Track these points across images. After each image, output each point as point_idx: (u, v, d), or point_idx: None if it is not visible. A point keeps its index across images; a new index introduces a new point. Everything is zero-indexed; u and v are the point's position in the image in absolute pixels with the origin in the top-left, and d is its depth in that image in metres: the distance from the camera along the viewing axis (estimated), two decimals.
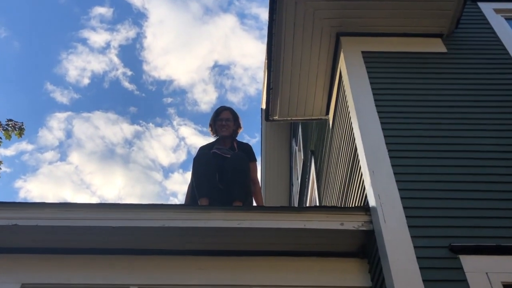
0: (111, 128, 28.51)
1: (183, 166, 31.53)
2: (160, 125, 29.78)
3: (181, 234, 3.56)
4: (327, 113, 5.65)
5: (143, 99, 28.94)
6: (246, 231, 3.53)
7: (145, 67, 28.93)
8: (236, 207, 3.97)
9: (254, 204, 4.60)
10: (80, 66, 27.06)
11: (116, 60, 27.51)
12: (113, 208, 3.61)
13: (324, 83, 5.38)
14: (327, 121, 5.82)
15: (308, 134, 8.19)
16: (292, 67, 5.26)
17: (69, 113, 27.86)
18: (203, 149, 4.77)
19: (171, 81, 30.66)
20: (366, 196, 3.77)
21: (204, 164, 4.41)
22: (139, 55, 28.44)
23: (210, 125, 4.92)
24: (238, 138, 4.99)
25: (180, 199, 30.95)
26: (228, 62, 31.45)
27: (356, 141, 4.15)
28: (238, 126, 4.91)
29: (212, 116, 4.92)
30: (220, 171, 4.44)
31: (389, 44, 4.80)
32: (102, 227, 3.51)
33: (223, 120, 4.83)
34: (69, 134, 28.41)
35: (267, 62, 5.32)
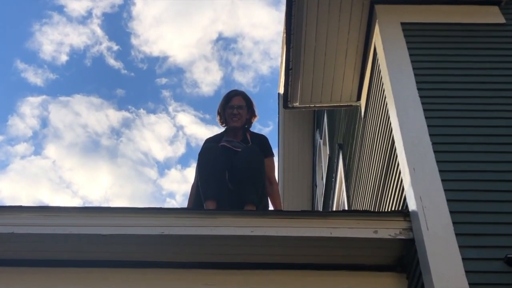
0: (95, 115, 28.75)
1: (181, 161, 31.70)
2: (153, 112, 29.94)
3: (183, 243, 3.65)
4: (359, 98, 5.68)
5: (132, 80, 29.10)
6: (261, 240, 3.61)
7: (134, 41, 29.07)
8: (249, 212, 4.04)
9: (270, 208, 4.66)
10: (56, 39, 27.32)
11: (99, 32, 27.70)
12: (102, 213, 3.71)
13: (355, 62, 5.42)
14: (358, 109, 5.85)
15: (335, 125, 8.20)
16: (316, 43, 5.29)
17: (44, 97, 28.18)
18: (210, 142, 4.81)
19: (165, 58, 30.79)
20: (405, 199, 3.82)
21: (211, 160, 4.46)
22: (127, 26, 28.61)
23: (219, 113, 4.95)
24: (252, 128, 5.03)
25: (178, 200, 31.17)
26: (234, 34, 31.49)
27: (394, 132, 4.19)
28: (252, 114, 4.94)
29: (221, 102, 4.94)
30: (230, 169, 4.50)
31: (434, 14, 4.85)
32: (89, 235, 3.61)
33: (235, 107, 4.85)
34: (44, 122, 28.76)
35: (286, 37, 5.36)
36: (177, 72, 30.48)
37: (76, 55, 28.04)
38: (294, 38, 5.26)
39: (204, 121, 30.70)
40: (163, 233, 3.59)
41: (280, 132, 10.68)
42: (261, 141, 4.84)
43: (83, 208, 3.82)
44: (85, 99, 28.70)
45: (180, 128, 30.48)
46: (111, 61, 27.71)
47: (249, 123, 4.95)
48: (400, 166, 3.97)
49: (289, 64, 5.49)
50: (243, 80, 29.47)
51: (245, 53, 30.30)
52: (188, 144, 30.67)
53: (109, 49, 28.26)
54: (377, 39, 4.80)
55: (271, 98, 28.87)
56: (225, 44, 31.10)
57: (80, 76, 28.84)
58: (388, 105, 4.39)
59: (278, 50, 29.68)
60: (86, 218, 3.66)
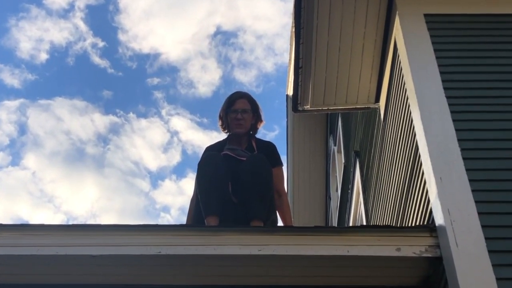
0: (79, 119, 28.80)
1: (176, 171, 31.69)
2: (144, 115, 29.98)
3: (182, 264, 3.67)
4: (377, 100, 5.69)
5: (120, 80, 29.16)
6: (269, 260, 3.62)
7: (122, 37, 29.19)
8: (256, 228, 4.05)
9: (279, 223, 4.67)
10: (34, 36, 27.42)
11: (82, 27, 27.78)
12: (91, 231, 3.74)
13: (372, 60, 5.43)
14: (377, 112, 5.85)
15: (350, 130, 8.19)
16: (329, 38, 5.30)
17: (22, 100, 28.24)
18: (211, 151, 4.83)
19: (157, 55, 30.84)
20: (431, 212, 3.82)
21: (212, 171, 4.47)
22: (113, 20, 28.70)
23: (220, 118, 4.95)
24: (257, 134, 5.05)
25: (174, 215, 31.16)
26: (235, 27, 31.59)
27: (418, 137, 4.19)
28: (258, 119, 4.95)
29: (223, 105, 4.95)
30: (234, 180, 4.51)
31: (461, 4, 4.84)
32: (78, 256, 3.63)
33: (238, 111, 4.85)
34: (22, 128, 28.84)
35: (295, 32, 5.37)
36: (171, 71, 30.54)
37: (57, 53, 28.16)
38: (304, 33, 5.27)
39: (201, 125, 30.74)
40: (160, 253, 3.60)
41: (288, 138, 10.66)
42: (268, 149, 4.85)
43: (70, 226, 3.85)
44: (67, 102, 28.79)
45: (174, 133, 30.54)
46: (97, 59, 27.80)
47: (255, 129, 4.96)
48: (425, 176, 3.97)
49: (299, 62, 5.51)
50: (245, 79, 29.51)
51: (247, 48, 30.35)
52: (183, 152, 30.68)
53: (94, 46, 28.36)
54: (397, 33, 4.82)
55: (276, 99, 28.92)
56: (224, 39, 31.16)
57: (62, 76, 28.93)
58: (410, 107, 4.39)
59: (283, 45, 29.67)
60: (73, 237, 3.68)
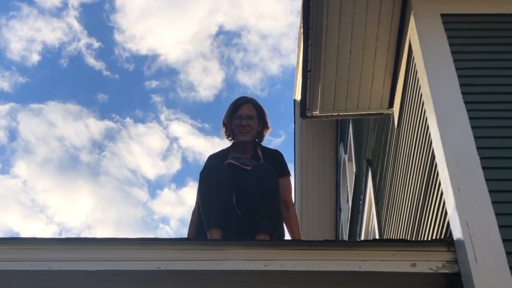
0: (72, 125, 28.85)
1: (176, 179, 31.70)
2: (142, 121, 30.03)
3: (184, 280, 3.67)
4: (391, 105, 5.70)
5: (116, 83, 29.19)
6: (276, 276, 3.62)
7: (118, 37, 29.25)
8: (262, 242, 4.05)
9: (287, 237, 4.67)
10: (26, 36, 27.48)
11: (76, 26, 27.85)
12: (87, 245, 3.74)
13: (386, 62, 5.44)
14: (391, 118, 5.86)
15: (362, 137, 8.21)
16: (339, 39, 5.31)
17: (12, 104, 28.33)
18: (214, 159, 4.85)
19: (155, 57, 30.88)
20: (448, 225, 3.82)
21: (215, 181, 4.49)
22: (109, 19, 28.74)
23: (224, 125, 4.98)
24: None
25: (174, 226, 31.15)
26: (238, 26, 31.61)
27: (434, 144, 4.19)
28: (264, 126, 4.96)
29: (227, 111, 4.97)
30: (238, 191, 4.52)
31: (482, 3, 4.85)
32: (72, 271, 3.63)
33: (243, 117, 4.87)
34: (12, 134, 28.91)
35: (303, 32, 5.38)
36: (170, 73, 30.59)
37: (50, 54, 28.22)
38: (313, 34, 5.29)
39: (202, 131, 30.78)
40: (160, 269, 3.60)
41: (296, 146, 10.67)
42: (275, 157, 4.86)
43: (63, 239, 3.86)
44: (60, 107, 28.84)
45: (174, 140, 30.57)
46: (91, 61, 27.85)
47: (261, 136, 4.97)
48: (442, 186, 3.97)
49: (307, 65, 5.52)
50: (249, 82, 29.55)
51: (251, 49, 30.39)
52: (184, 159, 30.69)
53: (88, 46, 28.43)
54: (412, 33, 4.82)
55: (282, 103, 28.92)
56: (227, 39, 31.21)
57: (55, 79, 28.98)
58: (426, 113, 4.40)
59: (290, 46, 29.70)
60: (67, 252, 3.69)
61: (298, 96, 7.05)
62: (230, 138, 4.98)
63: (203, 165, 4.85)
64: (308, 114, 5.91)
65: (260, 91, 28.48)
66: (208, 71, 30.78)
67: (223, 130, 4.99)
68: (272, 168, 4.58)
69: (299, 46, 6.06)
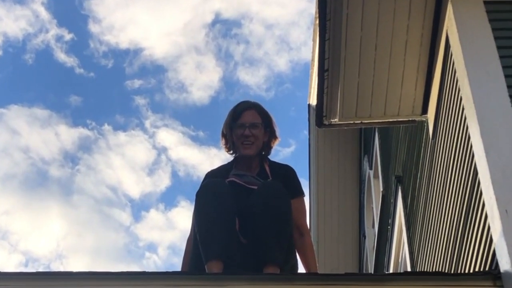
0: (40, 133, 28.93)
1: (165, 198, 31.74)
2: (123, 128, 30.10)
3: None
4: (425, 111, 5.71)
5: (91, 83, 29.22)
6: None
7: (94, 27, 29.25)
8: (271, 276, 4.04)
9: (301, 269, 4.63)
10: None
11: (44, 14, 27.92)
12: (58, 279, 3.71)
13: (418, 60, 5.45)
14: (425, 126, 5.87)
15: (390, 149, 8.23)
16: (362, 33, 5.33)
17: None
18: (213, 177, 4.84)
19: (138, 51, 30.99)
20: (494, 254, 3.81)
21: (215, 203, 4.47)
22: (82, 6, 28.87)
23: (224, 135, 4.97)
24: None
25: (162, 256, 31.16)
26: (238, 14, 31.70)
27: (477, 158, 4.19)
28: (272, 135, 4.95)
29: (227, 119, 4.96)
30: (242, 214, 4.52)
31: None
32: None
33: (246, 126, 4.84)
34: None
35: (319, 24, 5.38)
36: (156, 71, 30.64)
37: (12, 49, 28.29)
38: (331, 26, 5.30)
39: (196, 140, 30.87)
40: None
41: (311, 160, 10.73)
42: (286, 174, 4.86)
43: (30, 274, 3.80)
44: (25, 112, 28.88)
45: (162, 151, 30.67)
46: (62, 57, 27.97)
47: (268, 148, 4.96)
48: (487, 207, 3.97)
49: (324, 63, 5.53)
50: (252, 81, 29.61)
51: (254, 41, 30.46)
52: (174, 174, 30.73)
53: (58, 39, 28.54)
54: (450, 24, 4.83)
55: (292, 105, 28.93)
56: (225, 30, 31.28)
57: (18, 78, 29.04)
58: (467, 120, 4.41)
59: (300, 37, 29.74)
60: None
61: (313, 100, 7.06)
62: (231, 152, 4.97)
63: (197, 181, 4.89)
64: (326, 122, 5.93)
65: (265, 92, 28.54)
66: (203, 68, 30.86)
67: (222, 142, 4.98)
68: (282, 187, 4.57)
69: (314, 40, 6.07)
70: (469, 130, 4.34)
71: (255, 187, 4.61)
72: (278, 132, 4.96)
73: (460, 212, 4.63)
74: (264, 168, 4.87)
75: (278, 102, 28.73)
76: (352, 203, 11.02)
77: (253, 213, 4.45)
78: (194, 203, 4.60)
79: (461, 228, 4.61)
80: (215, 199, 4.47)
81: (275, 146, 4.99)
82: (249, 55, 30.33)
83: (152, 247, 32.81)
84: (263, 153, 4.94)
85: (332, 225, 11.03)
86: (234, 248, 4.42)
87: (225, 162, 5.04)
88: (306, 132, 10.65)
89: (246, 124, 4.84)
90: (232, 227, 4.46)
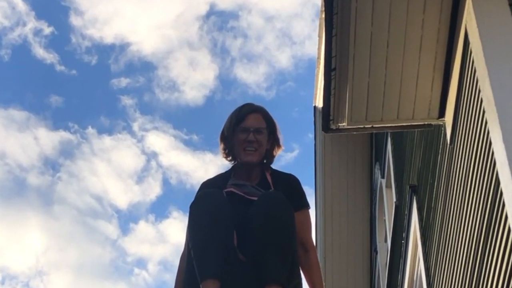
0: (17, 137, 28.97)
1: (155, 209, 31.83)
2: (109, 131, 30.17)
3: None
4: (442, 114, 5.73)
5: (73, 81, 29.26)
6: None
7: (76, 21, 29.32)
8: None
9: None
10: None
11: (21, 6, 27.95)
12: None
13: (435, 58, 5.45)
14: (442, 131, 5.89)
15: (404, 156, 8.26)
16: (373, 29, 5.34)
17: None
18: (209, 187, 4.84)
19: (125, 46, 31.04)
20: None
21: (211, 216, 4.44)
22: None
23: (223, 140, 4.98)
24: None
25: (152, 272, 31.21)
26: (235, 5, 31.66)
27: (499, 165, 4.19)
28: (275, 143, 4.97)
29: (229, 121, 4.96)
30: (241, 228, 4.49)
31: None
32: None
33: (250, 130, 4.85)
34: None
35: (325, 18, 5.37)
36: (145, 68, 30.72)
37: None
38: (339, 20, 5.30)
39: (189, 145, 30.87)
40: None
41: (317, 168, 10.76)
42: (289, 184, 4.86)
43: None
44: (0, 114, 28.90)
45: (151, 156, 30.70)
46: (41, 52, 27.98)
47: (270, 156, 4.98)
48: (510, 221, 3.97)
49: (331, 62, 5.52)
50: (250, 79, 29.65)
51: (252, 35, 30.50)
52: (165, 182, 30.79)
53: (37, 33, 28.60)
54: (469, 19, 4.83)
55: (295, 106, 28.94)
56: (221, 22, 31.31)
57: None
58: (488, 124, 4.41)
59: (304, 30, 29.78)
60: None
61: (319, 102, 7.08)
62: (230, 158, 4.97)
63: (191, 189, 4.98)
64: (333, 127, 5.94)
65: (265, 91, 28.59)
66: (196, 65, 30.90)
67: (221, 147, 4.98)
68: (285, 199, 4.55)
69: (320, 36, 6.09)
70: (491, 135, 4.35)
71: (256, 198, 4.59)
72: (282, 140, 4.99)
73: (481, 225, 4.63)
74: (266, 178, 4.87)
75: (280, 102, 28.83)
76: (362, 215, 11.06)
77: (253, 227, 4.43)
78: (188, 215, 4.59)
79: (482, 243, 4.61)
80: (211, 212, 4.45)
81: (278, 154, 5.01)
82: (247, 50, 30.41)
83: (141, 263, 32.91)
84: (265, 161, 4.95)
85: (341, 239, 11.07)
86: (232, 265, 4.39)
87: (222, 170, 5.07)
88: (311, 135, 10.72)
89: (250, 129, 4.85)
90: (229, 243, 4.43)
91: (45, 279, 28.90)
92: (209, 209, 4.48)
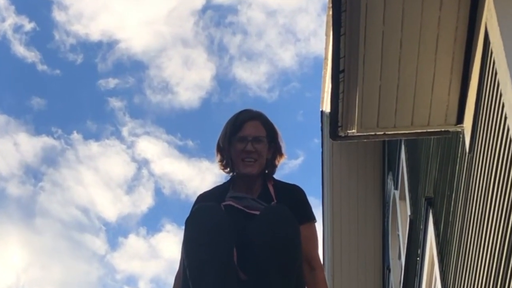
0: None
1: (146, 222, 31.90)
2: (96, 137, 30.21)
3: None
4: (460, 120, 5.72)
5: (57, 82, 29.28)
6: None
7: (59, 16, 29.37)
8: None
9: None
10: None
11: (0, 1, 27.96)
12: None
13: (452, 59, 5.42)
14: (460, 138, 5.89)
15: (420, 166, 8.28)
16: (385, 27, 5.31)
17: None
18: (206, 200, 4.82)
19: (113, 44, 31.06)
20: None
21: (209, 232, 4.42)
22: None
23: (220, 150, 4.96)
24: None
25: None
26: (234, 0, 31.59)
27: None
28: (277, 152, 4.95)
29: (225, 130, 4.93)
30: (242, 245, 4.46)
31: None
32: None
33: (249, 139, 4.83)
34: None
35: (333, 16, 5.36)
36: (135, 67, 30.74)
37: None
38: (348, 18, 5.29)
39: (183, 151, 30.89)
40: None
41: (324, 179, 10.80)
42: (294, 195, 4.84)
43: None
44: None
45: (143, 164, 30.72)
46: (21, 50, 27.99)
47: (272, 166, 4.96)
48: None
49: (339, 63, 5.51)
50: (250, 79, 29.68)
51: (252, 32, 30.55)
52: (157, 192, 30.84)
53: (17, 29, 28.61)
54: (489, 16, 4.81)
55: (300, 109, 28.92)
56: (218, 18, 31.35)
57: None
58: (511, 131, 4.42)
59: (309, 26, 29.78)
60: None
61: (326, 107, 7.09)
62: (228, 170, 4.96)
63: (185, 200, 5.01)
64: (341, 134, 5.92)
65: (267, 92, 28.60)
66: (191, 64, 30.94)
67: (217, 158, 4.97)
68: (290, 213, 4.52)
69: (327, 35, 6.05)
70: None
71: (257, 212, 4.58)
72: (284, 148, 4.98)
73: (503, 242, 4.61)
74: (268, 189, 4.86)
75: (283, 104, 28.86)
76: (373, 230, 11.08)
77: (255, 244, 4.41)
78: (183, 229, 4.56)
79: (504, 261, 4.58)
80: (209, 228, 4.43)
81: (281, 163, 5.01)
82: (247, 48, 30.46)
83: (131, 280, 32.98)
84: (267, 171, 4.94)
85: (350, 256, 11.08)
86: (232, 285, 4.38)
87: (220, 179, 5.03)
88: (317, 140, 10.74)
89: (248, 138, 4.84)
90: (229, 261, 4.41)
91: None
92: (207, 224, 4.46)
